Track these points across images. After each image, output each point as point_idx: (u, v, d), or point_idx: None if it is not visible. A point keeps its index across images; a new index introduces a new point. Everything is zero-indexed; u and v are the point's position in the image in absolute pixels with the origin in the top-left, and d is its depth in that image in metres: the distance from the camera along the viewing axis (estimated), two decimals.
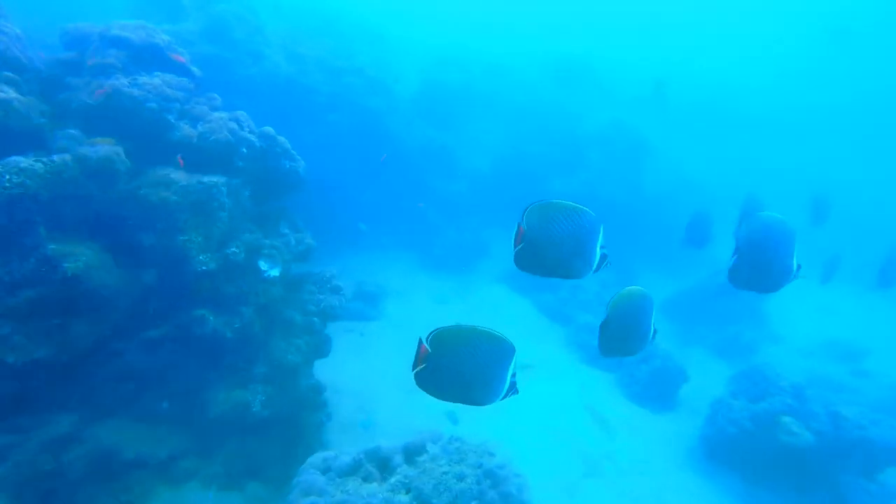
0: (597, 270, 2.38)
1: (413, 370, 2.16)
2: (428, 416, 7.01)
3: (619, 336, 2.54)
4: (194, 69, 4.83)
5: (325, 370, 7.82)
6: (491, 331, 2.20)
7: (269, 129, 5.01)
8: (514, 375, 2.26)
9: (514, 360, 2.24)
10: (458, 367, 2.16)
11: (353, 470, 4.14)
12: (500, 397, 2.27)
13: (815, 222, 8.30)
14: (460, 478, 4.00)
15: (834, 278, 9.42)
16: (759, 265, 2.59)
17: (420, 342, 2.13)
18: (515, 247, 2.31)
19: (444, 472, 4.01)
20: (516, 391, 2.29)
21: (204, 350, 4.83)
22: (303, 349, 5.37)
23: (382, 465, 4.15)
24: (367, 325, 9.69)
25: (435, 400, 7.16)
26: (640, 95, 18.85)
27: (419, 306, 11.13)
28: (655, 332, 2.59)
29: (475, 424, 6.88)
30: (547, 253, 2.30)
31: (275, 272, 5.03)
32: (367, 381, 7.77)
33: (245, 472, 5.17)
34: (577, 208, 2.27)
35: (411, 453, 4.22)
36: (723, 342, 10.31)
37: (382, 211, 13.42)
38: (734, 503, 5.75)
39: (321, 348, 5.84)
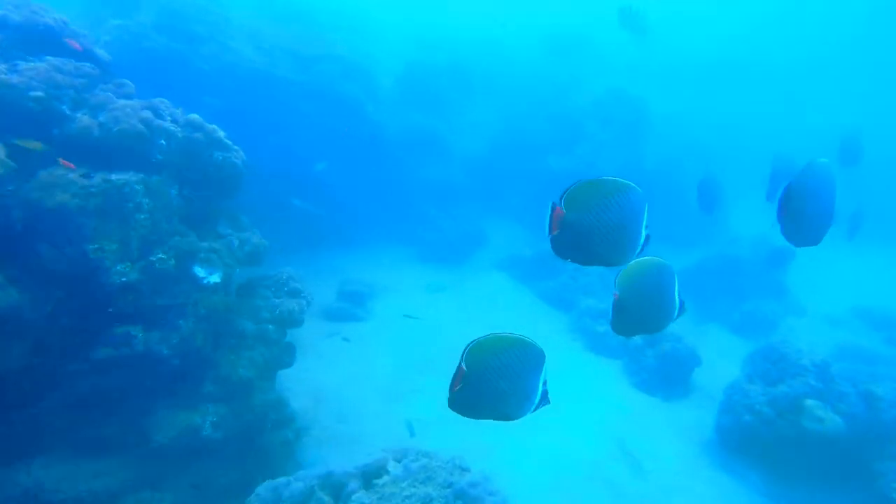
0: (639, 254, 2.21)
1: (451, 391, 2.07)
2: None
3: (635, 312, 2.31)
4: (100, 52, 4.33)
5: (302, 379, 7.37)
6: (522, 337, 2.08)
7: (196, 118, 4.50)
8: (545, 383, 2.17)
9: (545, 367, 2.15)
10: (495, 383, 2.07)
11: (304, 499, 3.66)
12: (533, 409, 2.19)
13: (844, 164, 7.59)
14: (426, 502, 3.51)
15: (859, 236, 8.72)
16: (813, 216, 2.48)
17: (460, 363, 2.04)
18: (551, 233, 2.13)
19: (407, 497, 3.51)
20: (548, 401, 2.19)
21: (140, 371, 4.37)
22: (257, 361, 4.89)
23: (336, 492, 3.67)
24: (354, 327, 9.21)
25: (417, 406, 6.55)
26: (638, 63, 18.09)
27: (412, 302, 10.62)
28: (682, 304, 2.37)
29: (463, 428, 6.37)
30: (591, 239, 2.12)
31: (214, 278, 4.55)
32: (349, 388, 7.29)
33: (201, 503, 4.73)
34: (623, 185, 2.08)
35: (370, 476, 3.73)
36: (740, 318, 9.68)
37: (370, 203, 12.93)
38: (755, 501, 5.20)
39: (282, 358, 5.36)
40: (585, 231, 2.09)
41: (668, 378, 7.30)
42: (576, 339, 9.30)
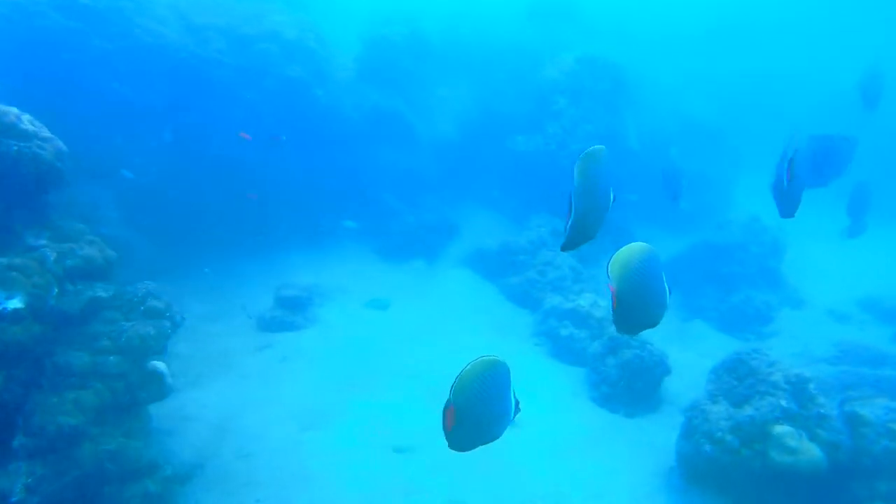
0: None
1: (446, 432, 2.21)
2: (321, 456, 5.74)
3: (636, 309, 2.29)
4: None
5: (212, 405, 6.59)
6: (492, 358, 2.22)
7: None
8: (515, 393, 2.32)
9: (511, 379, 2.31)
10: (482, 410, 2.20)
11: None
12: (511, 421, 2.34)
13: (866, 106, 6.82)
14: None
15: (864, 218, 7.75)
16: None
17: (448, 404, 2.17)
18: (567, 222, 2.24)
19: None
20: (519, 409, 2.35)
21: None
22: (87, 404, 4.10)
23: None
24: (290, 338, 8.44)
25: (335, 433, 5.65)
26: (626, 28, 17.04)
27: (362, 306, 9.86)
28: (670, 291, 2.41)
29: (382, 464, 5.59)
30: (592, 218, 2.25)
31: (14, 303, 3.75)
32: (263, 412, 6.51)
33: None
34: (594, 154, 2.19)
35: None
36: (729, 312, 8.78)
37: (324, 196, 12.12)
38: None
39: (136, 393, 4.56)
40: (591, 214, 2.18)
41: (633, 391, 6.45)
42: (540, 344, 8.46)
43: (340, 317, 9.36)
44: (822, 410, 4.29)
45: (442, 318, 9.32)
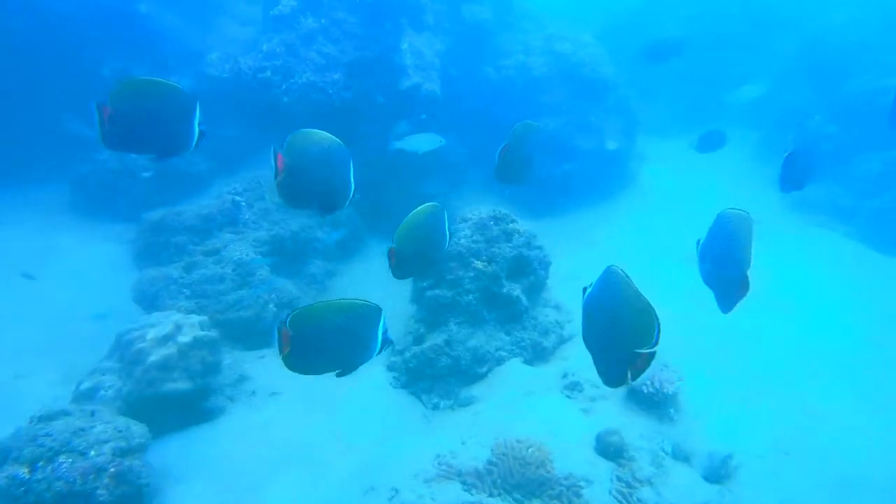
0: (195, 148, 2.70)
1: (281, 355, 2.45)
2: None
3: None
4: None
5: None
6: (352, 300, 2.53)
7: None
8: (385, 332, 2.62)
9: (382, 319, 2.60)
10: (325, 340, 2.47)
11: None
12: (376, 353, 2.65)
13: None
14: None
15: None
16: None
17: (283, 327, 2.42)
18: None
19: None
20: (390, 341, 2.69)
21: None
22: None
23: None
24: None
25: None
26: None
27: None
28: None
29: None
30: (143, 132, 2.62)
31: None
32: None
33: None
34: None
35: None
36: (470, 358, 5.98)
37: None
38: None
39: None
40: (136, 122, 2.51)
41: None
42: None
43: None
44: None
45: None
